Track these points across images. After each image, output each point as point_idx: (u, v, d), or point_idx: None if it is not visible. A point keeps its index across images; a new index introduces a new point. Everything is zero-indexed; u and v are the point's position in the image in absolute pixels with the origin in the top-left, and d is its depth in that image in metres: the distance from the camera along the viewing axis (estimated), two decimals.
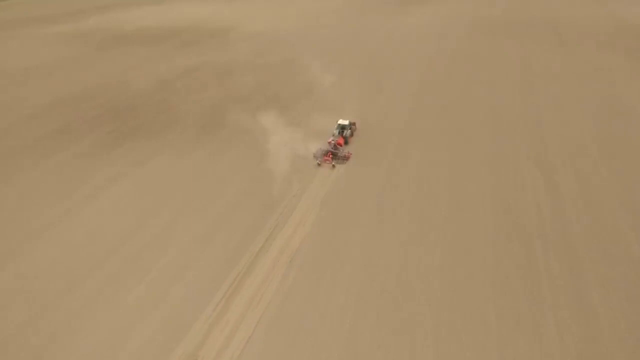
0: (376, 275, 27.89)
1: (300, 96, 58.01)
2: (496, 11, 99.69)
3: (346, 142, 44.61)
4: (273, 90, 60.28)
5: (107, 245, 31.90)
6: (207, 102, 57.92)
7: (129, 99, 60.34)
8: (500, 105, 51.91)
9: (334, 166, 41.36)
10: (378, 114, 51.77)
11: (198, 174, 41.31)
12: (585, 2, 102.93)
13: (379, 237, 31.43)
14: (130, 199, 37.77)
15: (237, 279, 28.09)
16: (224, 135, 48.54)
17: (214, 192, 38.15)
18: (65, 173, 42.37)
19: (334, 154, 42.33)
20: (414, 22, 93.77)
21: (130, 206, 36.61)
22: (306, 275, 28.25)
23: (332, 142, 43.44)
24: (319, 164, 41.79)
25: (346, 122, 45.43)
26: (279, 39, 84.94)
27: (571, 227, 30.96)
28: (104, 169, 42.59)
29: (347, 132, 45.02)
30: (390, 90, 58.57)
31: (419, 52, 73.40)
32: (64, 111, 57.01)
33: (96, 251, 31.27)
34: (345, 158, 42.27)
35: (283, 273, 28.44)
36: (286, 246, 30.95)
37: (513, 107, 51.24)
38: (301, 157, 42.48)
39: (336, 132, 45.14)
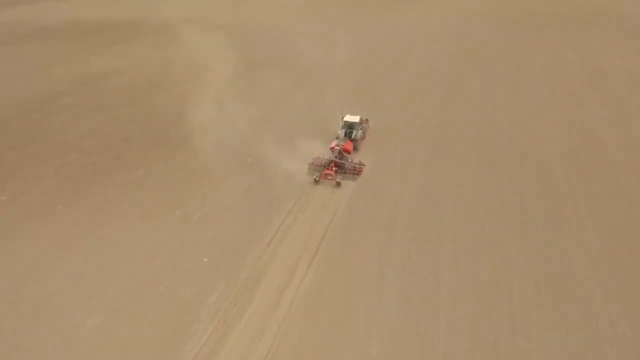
0: None
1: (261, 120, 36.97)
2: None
3: (355, 148, 30.35)
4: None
5: None
6: (105, 131, 36.28)
7: None
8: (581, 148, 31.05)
9: (338, 183, 27.39)
10: (381, 120, 37.11)
11: (42, 267, 21.99)
12: None
13: None
14: None
15: None
16: (109, 193, 27.77)
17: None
18: None
19: (339, 166, 27.80)
20: (419, 16, 79.65)
21: None
22: None
23: (337, 147, 28.94)
24: (316, 180, 27.69)
25: (356, 119, 31.31)
26: (250, 35, 67.89)
27: None
28: None
29: (356, 133, 30.86)
30: (392, 99, 43.42)
31: (430, 55, 56.98)
32: None
33: None
34: (356, 172, 27.87)
35: None
36: None
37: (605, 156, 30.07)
38: (242, 237, 23.47)
39: (341, 132, 30.74)
